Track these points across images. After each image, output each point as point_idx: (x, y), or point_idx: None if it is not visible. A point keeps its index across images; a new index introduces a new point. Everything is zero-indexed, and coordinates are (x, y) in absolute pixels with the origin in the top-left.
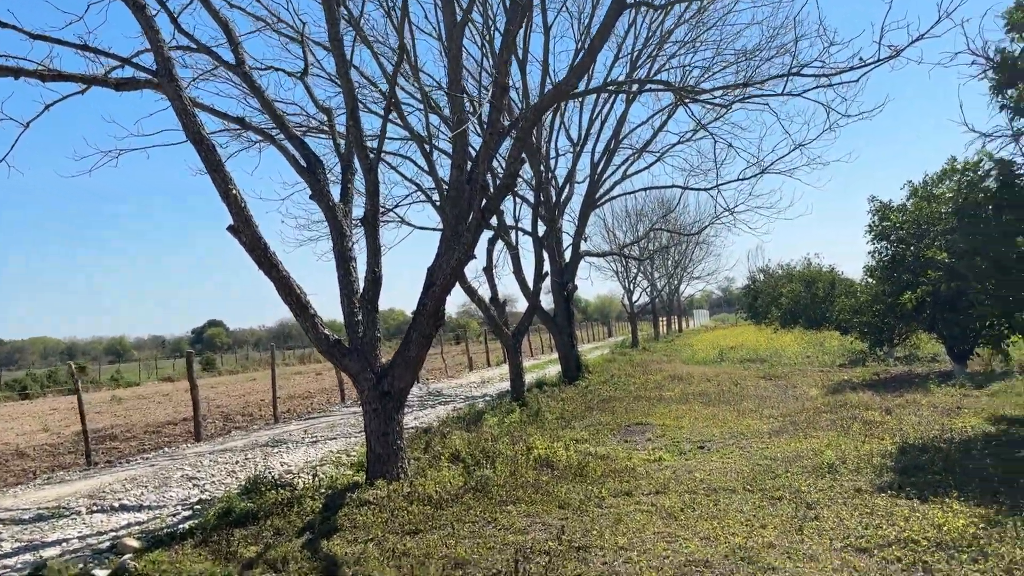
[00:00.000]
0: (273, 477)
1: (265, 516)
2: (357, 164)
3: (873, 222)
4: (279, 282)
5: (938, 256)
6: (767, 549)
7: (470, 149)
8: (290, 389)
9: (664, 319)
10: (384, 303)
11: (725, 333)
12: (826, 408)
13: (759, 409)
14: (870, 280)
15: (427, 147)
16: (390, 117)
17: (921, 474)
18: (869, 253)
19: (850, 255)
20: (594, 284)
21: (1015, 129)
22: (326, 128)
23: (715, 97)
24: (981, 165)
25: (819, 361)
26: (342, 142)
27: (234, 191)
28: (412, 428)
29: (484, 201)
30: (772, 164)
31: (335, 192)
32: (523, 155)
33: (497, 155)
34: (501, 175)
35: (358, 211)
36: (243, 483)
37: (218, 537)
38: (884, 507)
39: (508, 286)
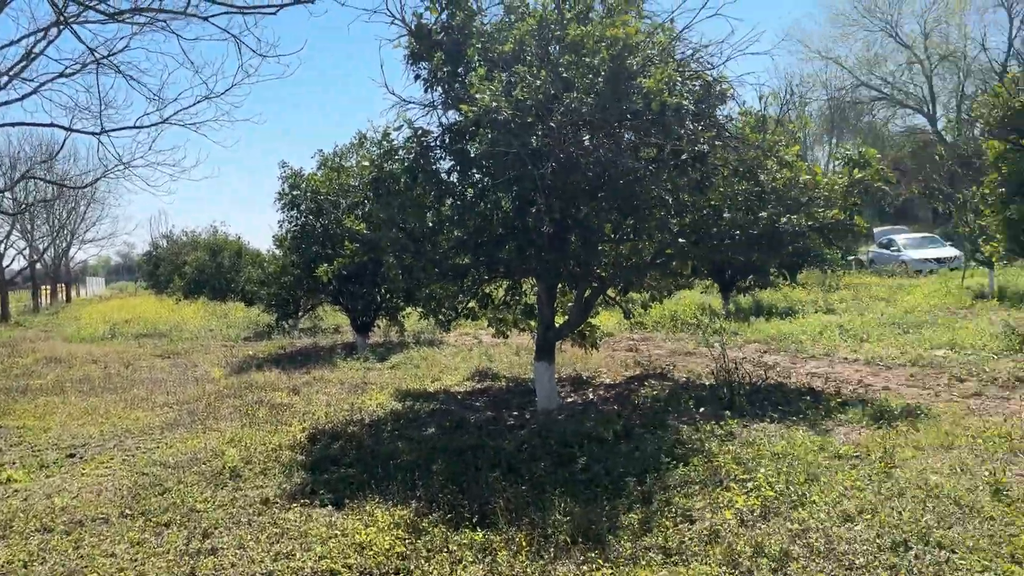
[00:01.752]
0: None
1: None
2: None
3: (283, 189)
4: None
5: (356, 226)
6: None
7: None
8: None
9: (48, 288)
10: None
11: (121, 304)
12: (230, 391)
13: (151, 396)
14: (277, 251)
15: None
16: None
17: (334, 469)
18: (279, 223)
19: (257, 228)
20: None
21: (430, 100)
22: None
23: (109, 7)
24: (399, 133)
25: (223, 335)
26: None
27: None
28: None
29: None
30: (176, 113)
31: None
32: None
33: None
34: None
35: None
36: None
37: None
38: (296, 523)
39: None
